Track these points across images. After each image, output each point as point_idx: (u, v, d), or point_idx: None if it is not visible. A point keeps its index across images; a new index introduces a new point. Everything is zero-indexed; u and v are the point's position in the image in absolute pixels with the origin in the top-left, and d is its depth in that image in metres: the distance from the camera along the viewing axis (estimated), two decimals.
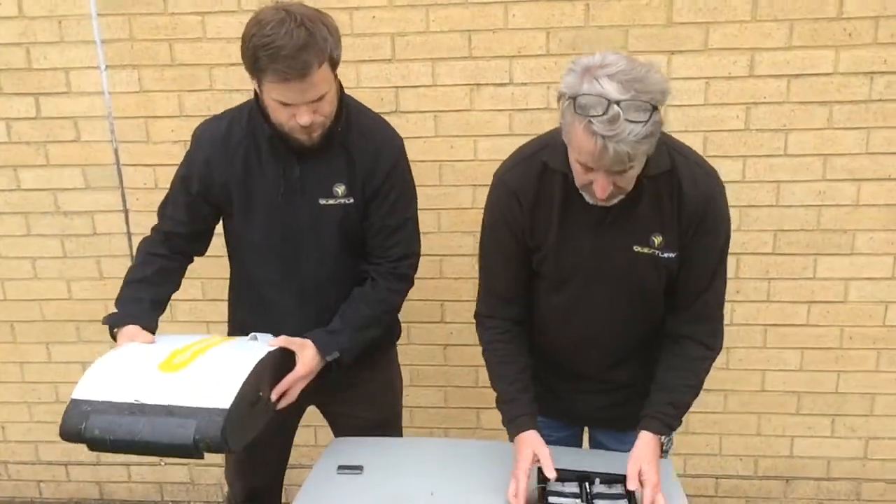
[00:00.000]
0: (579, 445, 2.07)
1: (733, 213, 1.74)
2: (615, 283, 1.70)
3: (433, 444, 2.05)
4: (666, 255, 1.65)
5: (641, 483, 1.60)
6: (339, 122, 1.78)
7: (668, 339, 1.77)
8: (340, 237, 1.86)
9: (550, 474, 1.61)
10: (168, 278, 1.92)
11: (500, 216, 1.73)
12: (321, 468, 1.82)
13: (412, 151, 1.97)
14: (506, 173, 1.73)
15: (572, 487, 1.65)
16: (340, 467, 1.78)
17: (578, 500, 1.61)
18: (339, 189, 1.83)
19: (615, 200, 1.56)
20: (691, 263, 1.68)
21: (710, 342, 1.75)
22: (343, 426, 2.10)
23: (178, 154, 2.50)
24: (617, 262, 1.67)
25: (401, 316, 2.08)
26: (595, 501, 1.61)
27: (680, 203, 1.62)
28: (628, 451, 1.70)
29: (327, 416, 2.16)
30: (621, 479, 1.64)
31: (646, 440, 1.68)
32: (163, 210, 1.95)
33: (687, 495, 1.80)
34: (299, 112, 1.67)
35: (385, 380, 2.14)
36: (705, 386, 1.79)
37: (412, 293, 1.99)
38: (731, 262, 2.64)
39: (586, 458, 1.85)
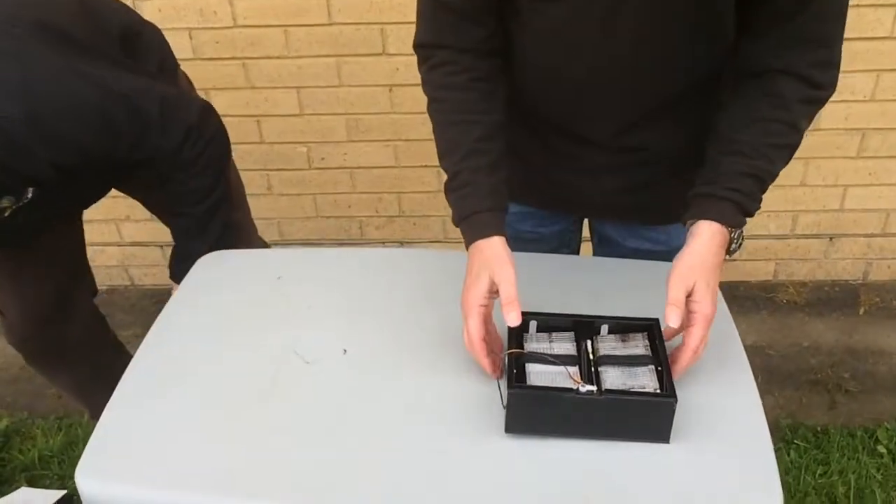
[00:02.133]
0: (578, 243, 1.43)
1: None
2: None
3: (333, 257, 1.34)
4: None
5: (689, 312, 0.96)
6: None
7: (743, 75, 1.04)
8: None
9: (512, 321, 0.95)
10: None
11: None
12: (188, 290, 1.21)
13: None
14: None
15: (563, 344, 1.00)
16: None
17: (575, 368, 0.96)
18: None
19: None
20: None
21: (819, 76, 1.00)
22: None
23: None
24: None
25: None
26: (601, 369, 0.96)
27: None
28: (656, 252, 1.23)
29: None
30: (646, 325, 1.00)
31: (703, 237, 0.99)
32: None
33: None
34: None
35: None
36: None
37: None
38: None
39: (587, 273, 1.21)
